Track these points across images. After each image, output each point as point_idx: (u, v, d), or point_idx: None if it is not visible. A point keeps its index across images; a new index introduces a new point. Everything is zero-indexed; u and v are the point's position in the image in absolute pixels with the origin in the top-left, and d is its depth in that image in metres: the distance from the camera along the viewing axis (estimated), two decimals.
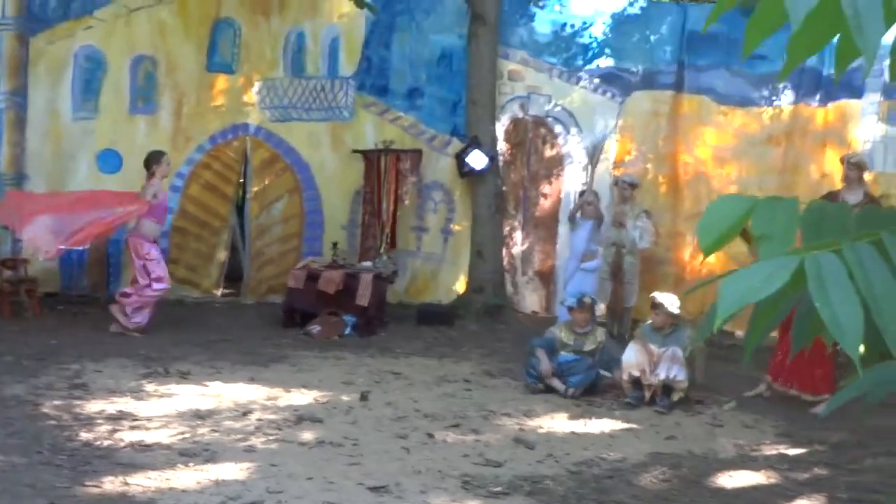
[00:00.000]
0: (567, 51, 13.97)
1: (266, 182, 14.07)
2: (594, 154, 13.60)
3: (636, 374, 9.19)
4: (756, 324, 2.30)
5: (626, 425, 8.52)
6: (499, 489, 6.57)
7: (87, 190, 12.91)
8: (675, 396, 9.17)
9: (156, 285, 11.58)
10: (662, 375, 9.13)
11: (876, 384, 2.61)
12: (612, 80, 13.85)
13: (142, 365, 9.90)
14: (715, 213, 2.25)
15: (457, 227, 13.90)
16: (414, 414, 8.53)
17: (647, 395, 9.17)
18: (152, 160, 11.74)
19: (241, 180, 14.65)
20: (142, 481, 6.36)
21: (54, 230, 11.35)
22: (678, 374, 9.14)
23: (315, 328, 11.99)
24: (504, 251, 13.72)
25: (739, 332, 13.08)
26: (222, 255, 14.22)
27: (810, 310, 2.15)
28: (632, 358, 9.27)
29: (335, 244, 13.14)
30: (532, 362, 9.71)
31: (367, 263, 13.01)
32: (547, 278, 13.78)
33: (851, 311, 2.03)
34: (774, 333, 11.18)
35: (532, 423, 8.48)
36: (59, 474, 6.47)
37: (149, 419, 7.95)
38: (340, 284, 12.32)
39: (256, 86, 13.98)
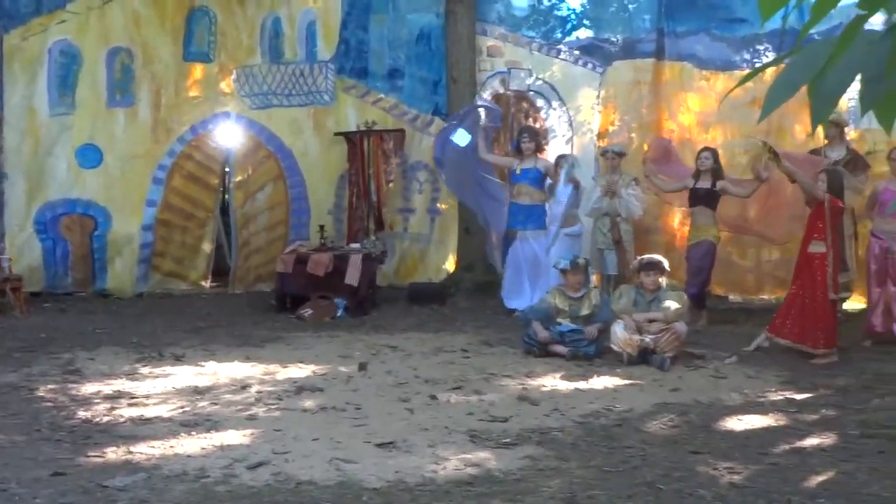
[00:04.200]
0: (545, 24, 13.89)
1: (249, 171, 13.90)
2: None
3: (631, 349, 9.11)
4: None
5: (629, 381, 8.43)
6: (508, 440, 6.48)
7: None
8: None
9: None
10: (649, 339, 9.08)
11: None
12: (592, 52, 13.74)
13: (134, 351, 9.76)
14: None
15: (443, 206, 13.78)
16: (414, 380, 8.43)
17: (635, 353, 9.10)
18: None
19: (226, 170, 14.45)
20: (145, 450, 6.23)
21: None
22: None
23: (307, 311, 11.85)
24: None
25: (734, 297, 13.06)
26: (209, 246, 14.04)
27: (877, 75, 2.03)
28: (623, 335, 9.17)
29: (322, 227, 12.97)
30: (529, 332, 9.60)
31: (356, 245, 12.87)
32: None
33: None
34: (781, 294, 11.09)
35: (534, 382, 8.38)
36: (60, 448, 6.34)
37: (146, 396, 7.82)
38: (329, 266, 12.19)
39: (234, 73, 13.80)
